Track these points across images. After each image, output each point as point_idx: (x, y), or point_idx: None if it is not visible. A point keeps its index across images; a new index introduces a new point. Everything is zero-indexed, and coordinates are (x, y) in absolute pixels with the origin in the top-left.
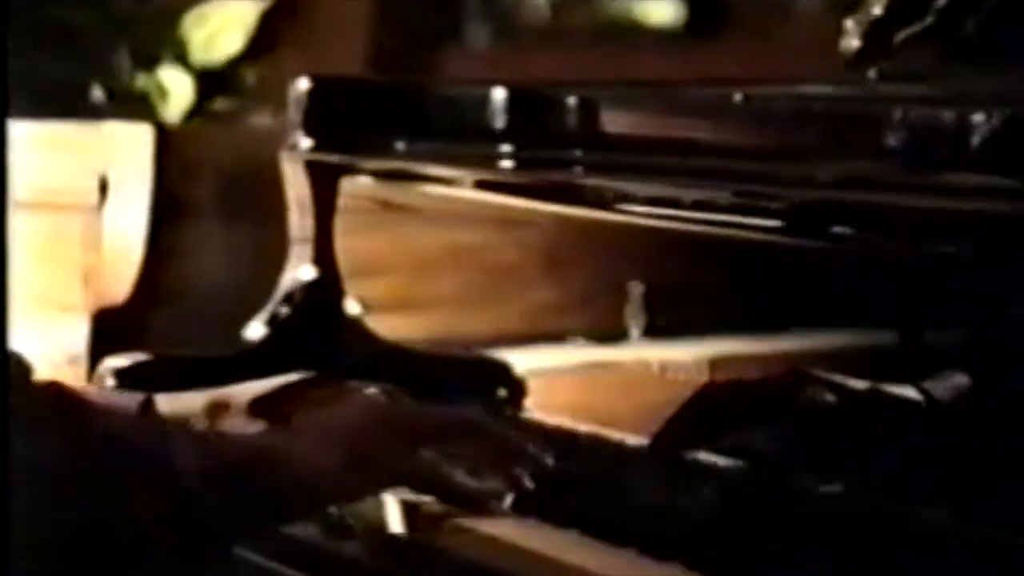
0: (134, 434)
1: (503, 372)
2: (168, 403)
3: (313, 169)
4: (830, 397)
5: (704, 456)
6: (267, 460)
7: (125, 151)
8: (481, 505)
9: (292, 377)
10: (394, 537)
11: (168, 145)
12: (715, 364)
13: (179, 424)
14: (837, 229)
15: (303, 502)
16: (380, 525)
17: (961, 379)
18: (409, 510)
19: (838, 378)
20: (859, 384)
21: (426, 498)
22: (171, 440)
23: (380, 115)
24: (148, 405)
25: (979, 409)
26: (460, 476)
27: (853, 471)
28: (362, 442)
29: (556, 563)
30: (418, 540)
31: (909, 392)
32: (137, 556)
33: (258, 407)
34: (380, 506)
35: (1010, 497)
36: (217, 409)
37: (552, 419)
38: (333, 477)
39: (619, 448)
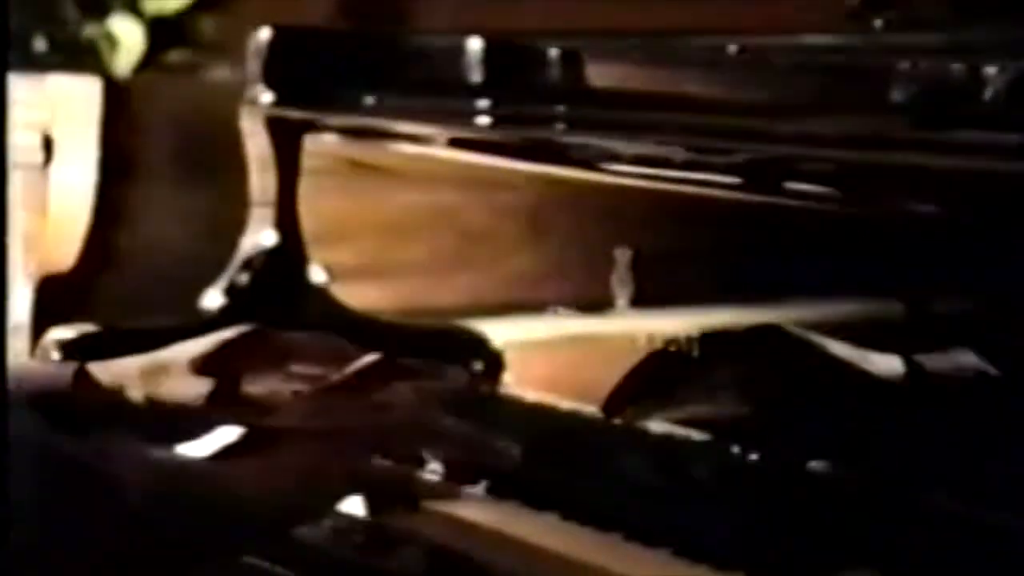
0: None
1: (479, 344)
2: (103, 371)
3: (275, 126)
4: (820, 371)
5: (694, 435)
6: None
7: (71, 106)
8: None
9: (232, 331)
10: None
11: (118, 100)
12: (706, 335)
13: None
14: (839, 190)
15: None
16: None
17: (961, 352)
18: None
19: (831, 348)
20: (852, 355)
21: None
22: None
23: (347, 67)
24: (81, 374)
25: (978, 384)
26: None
27: (843, 448)
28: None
29: (555, 555)
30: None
31: (907, 366)
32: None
33: (199, 366)
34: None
35: (1003, 475)
36: (156, 373)
37: (532, 395)
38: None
39: (603, 426)
